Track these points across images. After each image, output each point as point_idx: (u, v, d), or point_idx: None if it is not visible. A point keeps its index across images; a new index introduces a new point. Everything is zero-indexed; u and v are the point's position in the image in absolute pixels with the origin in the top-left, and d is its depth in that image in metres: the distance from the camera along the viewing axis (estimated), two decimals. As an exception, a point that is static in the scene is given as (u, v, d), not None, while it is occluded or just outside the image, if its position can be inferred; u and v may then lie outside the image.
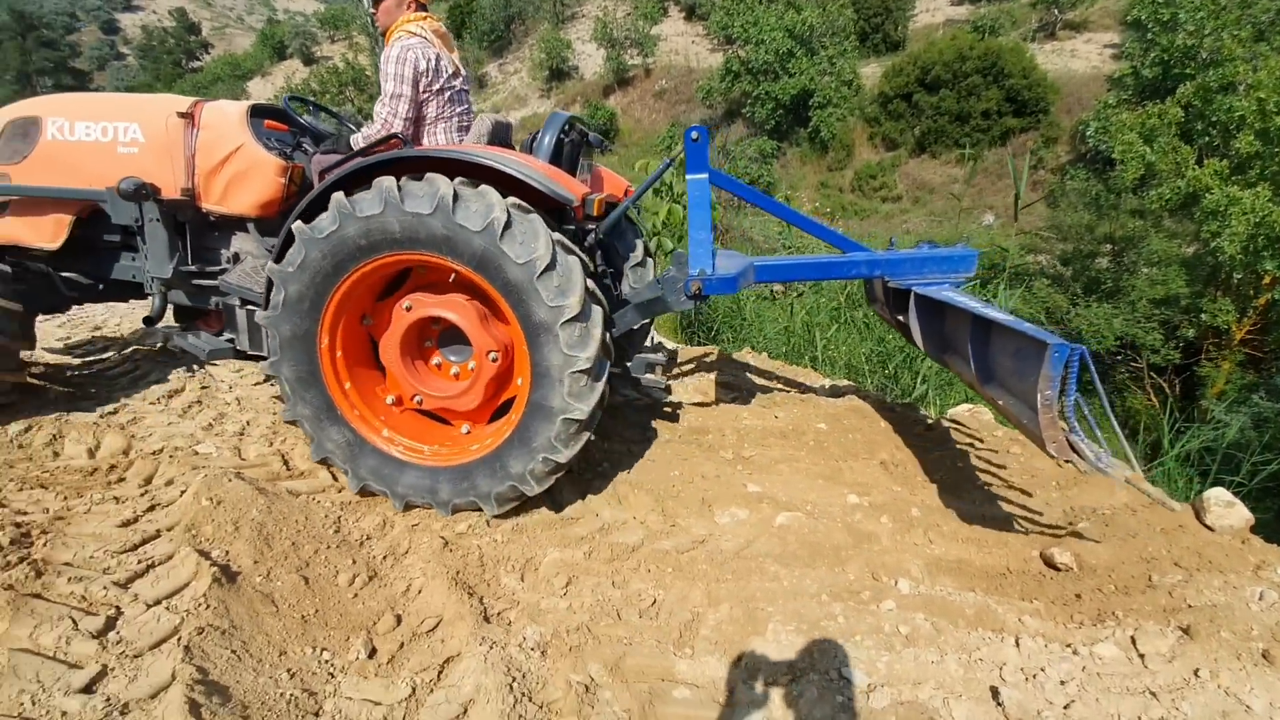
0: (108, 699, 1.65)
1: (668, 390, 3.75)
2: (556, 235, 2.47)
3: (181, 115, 3.02)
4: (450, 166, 2.48)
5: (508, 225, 2.35)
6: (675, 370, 4.57)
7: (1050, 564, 2.40)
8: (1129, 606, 2.14)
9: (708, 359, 4.86)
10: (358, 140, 2.99)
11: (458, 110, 3.12)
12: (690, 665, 1.98)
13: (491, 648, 1.98)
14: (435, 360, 2.80)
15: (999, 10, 33.27)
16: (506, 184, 2.48)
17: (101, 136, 3.09)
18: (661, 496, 2.84)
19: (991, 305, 2.78)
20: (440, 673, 1.96)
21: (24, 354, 3.32)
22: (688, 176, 3.08)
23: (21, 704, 1.61)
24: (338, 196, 2.43)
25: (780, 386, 4.37)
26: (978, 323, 2.59)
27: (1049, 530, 2.65)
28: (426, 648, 2.05)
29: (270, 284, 2.58)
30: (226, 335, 3.16)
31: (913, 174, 29.01)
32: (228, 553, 2.15)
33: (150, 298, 3.25)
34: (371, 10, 3.14)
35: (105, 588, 1.93)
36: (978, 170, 23.36)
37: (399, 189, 2.37)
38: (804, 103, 30.41)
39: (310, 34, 55.01)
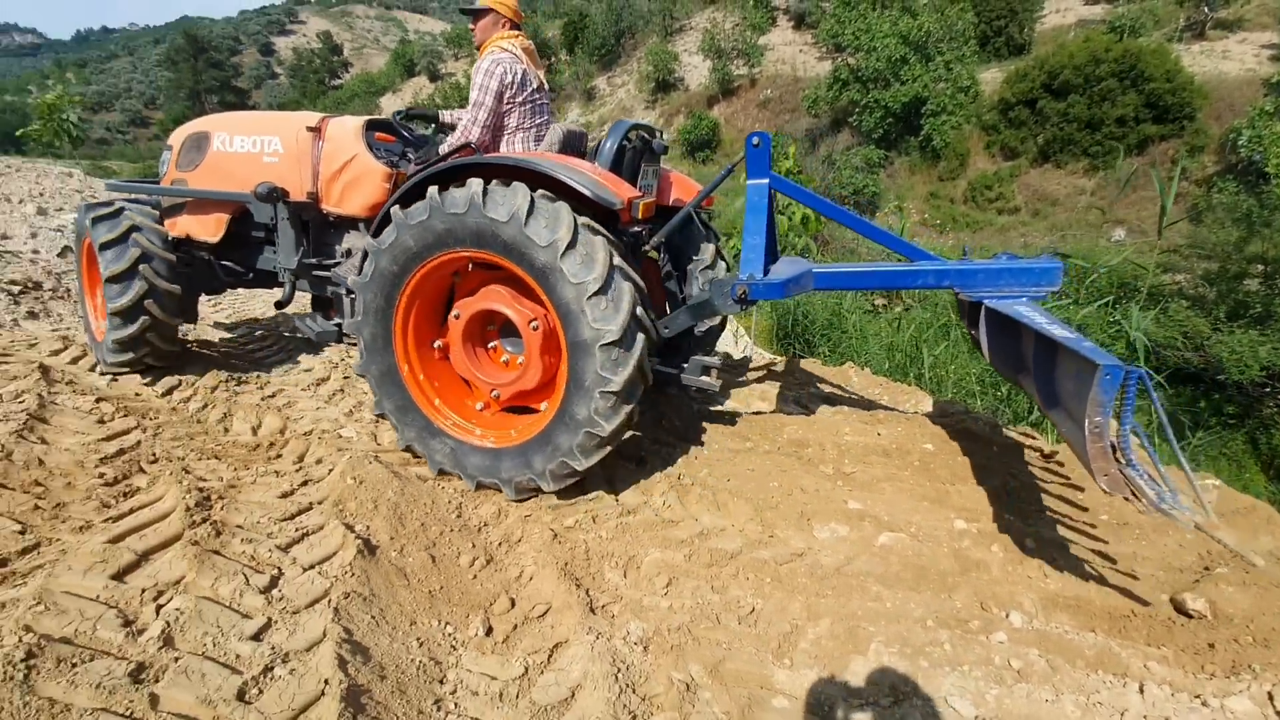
0: (272, 647, 1.88)
1: (718, 393, 3.78)
2: (583, 219, 2.62)
3: (310, 129, 3.48)
4: (512, 170, 2.70)
5: (531, 212, 2.56)
6: (769, 379, 4.57)
7: (1181, 609, 2.24)
8: (1269, 660, 1.97)
9: (806, 371, 4.82)
10: (444, 146, 3.28)
11: (537, 121, 3.36)
12: (789, 676, 2.00)
13: (598, 638, 2.09)
14: (504, 358, 3.05)
15: (1140, 9, 30.60)
16: (558, 188, 2.67)
17: (252, 148, 3.62)
18: (760, 506, 2.87)
19: (1058, 322, 2.46)
20: (550, 656, 2.09)
21: (184, 329, 3.92)
22: (747, 182, 3.09)
23: (205, 644, 1.87)
24: (433, 190, 2.67)
25: (884, 403, 4.27)
26: (1040, 340, 2.38)
27: (1181, 573, 2.46)
28: (537, 631, 2.19)
29: (365, 256, 2.88)
30: (335, 320, 3.56)
31: (1034, 184, 27.17)
32: (368, 527, 2.39)
33: (282, 285, 3.74)
34: (471, 26, 3.46)
35: (270, 550, 2.20)
36: (1131, 180, 21.45)
37: (483, 194, 2.59)
38: (916, 110, 29.22)
39: (437, 52, 58.79)
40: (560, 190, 2.67)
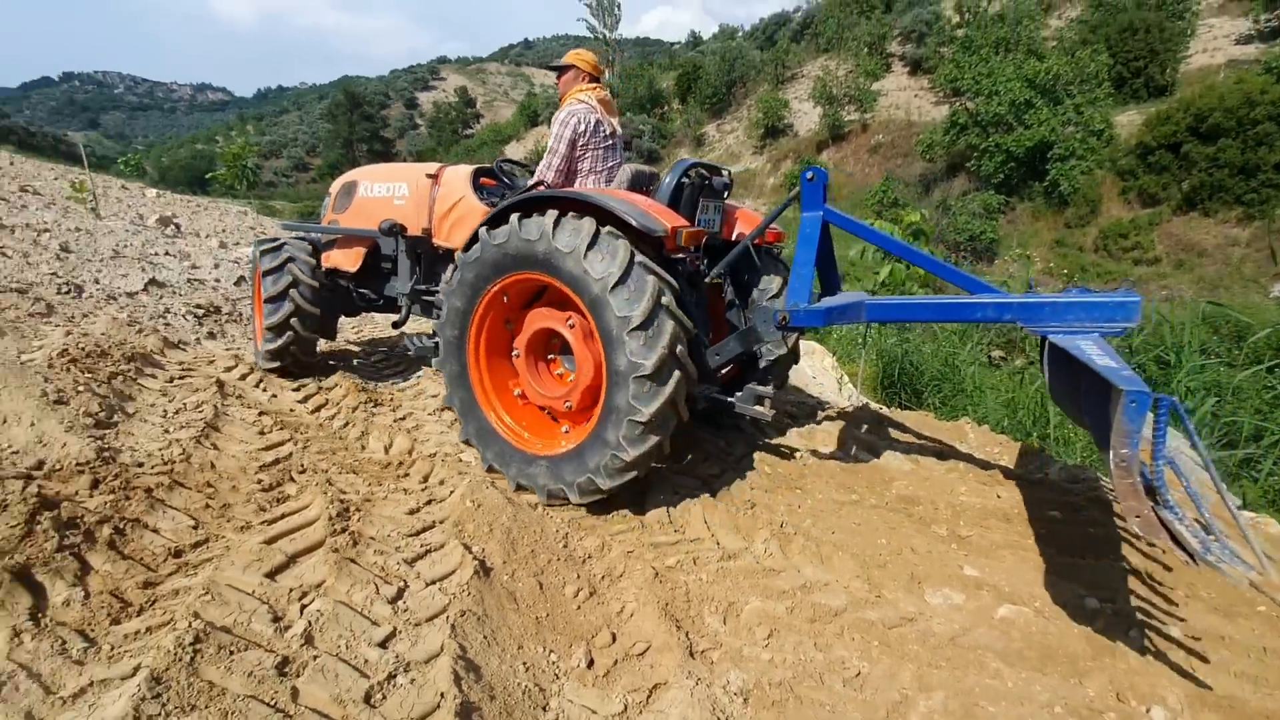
0: (396, 656, 2.02)
1: (770, 422, 3.85)
2: (640, 258, 2.81)
3: (429, 176, 4.11)
4: (575, 203, 2.99)
5: (591, 245, 2.81)
6: (876, 429, 4.41)
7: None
8: None
9: (917, 424, 4.62)
10: (526, 184, 3.71)
11: (609, 165, 3.70)
12: (898, 747, 1.91)
13: (697, 683, 2.09)
14: (558, 371, 3.35)
15: (1307, 46, 27.82)
16: (610, 218, 2.91)
17: (386, 193, 4.30)
18: (867, 563, 2.78)
19: (1111, 353, 2.26)
20: (649, 696, 2.10)
21: (323, 345, 4.88)
22: (802, 214, 3.21)
23: (339, 646, 2.04)
24: (515, 217, 2.98)
25: (1004, 464, 4.02)
26: (1088, 372, 2.13)
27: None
28: (637, 670, 2.21)
29: (455, 267, 3.23)
30: (435, 339, 3.87)
31: (1176, 234, 24.89)
32: (484, 549, 2.53)
33: (399, 309, 4.34)
34: (556, 81, 3.89)
35: (398, 563, 2.38)
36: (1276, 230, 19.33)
37: (553, 225, 2.86)
38: (1041, 155, 27.74)
39: (558, 104, 62.57)
40: (609, 220, 2.90)
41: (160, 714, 1.71)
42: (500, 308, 3.21)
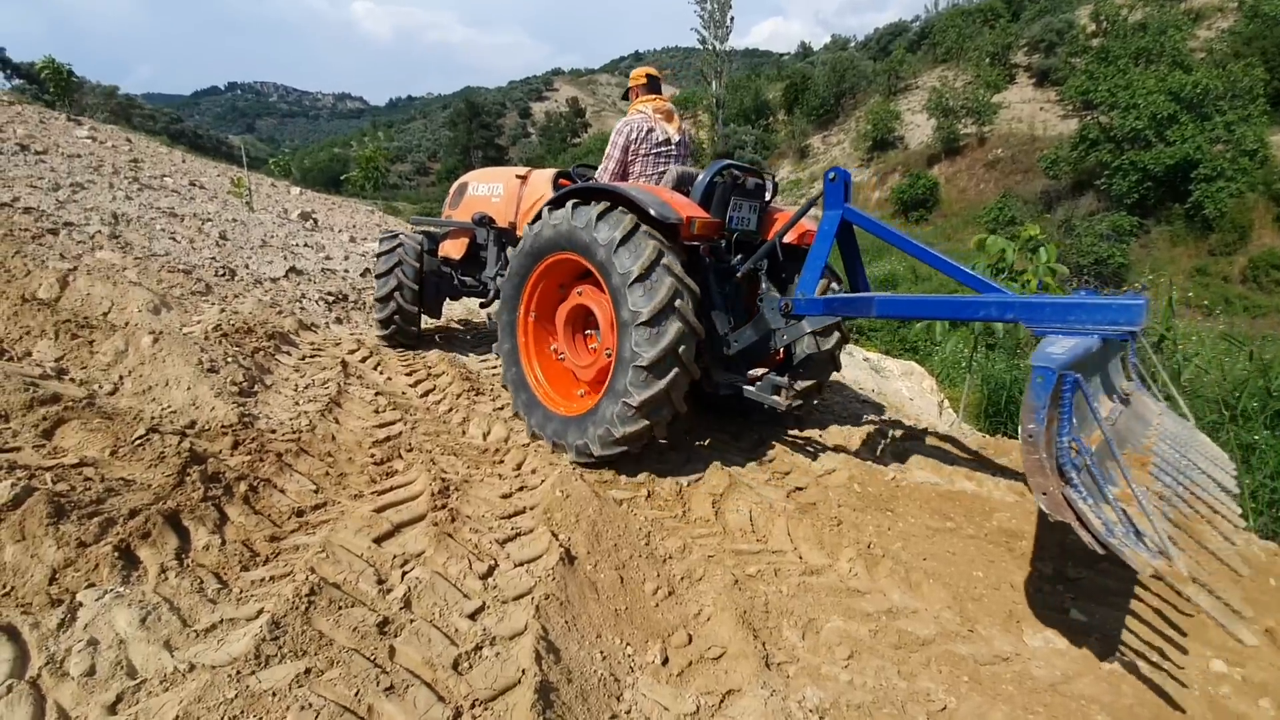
0: (484, 629, 2.14)
1: (788, 410, 3.91)
2: (644, 227, 3.16)
3: (519, 177, 4.82)
4: (609, 194, 3.33)
5: (624, 241, 3.13)
6: (978, 457, 4.18)
7: None
8: None
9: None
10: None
11: (659, 169, 4.04)
12: (984, 787, 1.81)
13: (772, 694, 2.07)
14: (593, 346, 3.69)
15: None
16: (632, 207, 3.23)
17: (487, 192, 5.05)
18: (960, 596, 2.64)
19: (1085, 350, 2.23)
20: (722, 701, 2.10)
21: (430, 322, 5.87)
22: (824, 212, 3.41)
23: (433, 613, 2.18)
24: (570, 204, 3.38)
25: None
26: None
27: None
28: (711, 673, 2.22)
29: (520, 239, 3.72)
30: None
31: (1349, 268, 21.95)
32: (570, 538, 2.62)
33: (489, 291, 5.03)
34: (626, 99, 4.34)
35: (490, 543, 2.51)
36: None
37: (597, 216, 3.22)
38: (1183, 175, 25.28)
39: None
40: (630, 207, 3.22)
41: (277, 655, 1.89)
42: (550, 279, 3.66)
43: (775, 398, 3.56)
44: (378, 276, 5.14)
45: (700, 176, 3.70)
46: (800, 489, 3.51)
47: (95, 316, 4.28)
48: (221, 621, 2.06)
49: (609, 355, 3.34)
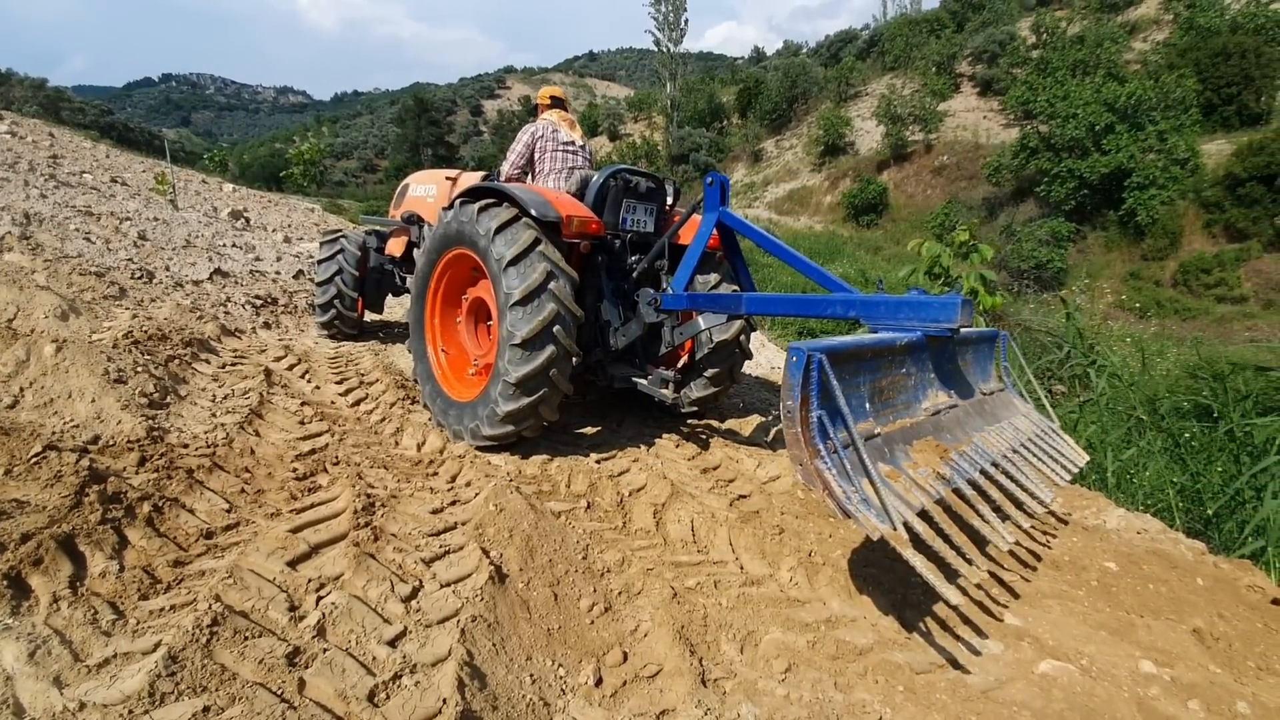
0: (404, 656, 2.01)
1: (675, 406, 4.19)
2: (523, 219, 3.36)
3: (449, 179, 5.06)
4: (500, 192, 3.50)
5: (499, 231, 3.34)
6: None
7: None
8: None
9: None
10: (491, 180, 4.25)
11: (568, 166, 4.25)
12: (916, 803, 1.79)
13: (706, 713, 2.01)
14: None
15: None
16: (520, 207, 3.39)
17: (423, 193, 5.27)
18: (900, 602, 2.64)
19: (893, 340, 2.62)
20: (656, 721, 2.04)
21: (370, 317, 6.06)
22: (704, 213, 3.64)
23: (349, 640, 2.04)
24: (458, 203, 3.59)
25: (1055, 508, 3.78)
26: None
27: None
28: (646, 693, 2.15)
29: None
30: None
31: (1267, 271, 23.39)
32: (502, 555, 2.51)
33: None
34: (532, 115, 4.53)
35: (415, 562, 2.38)
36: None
37: (477, 211, 3.45)
38: (1117, 182, 26.49)
39: (619, 115, 63.37)
40: (514, 205, 3.40)
41: (173, 692, 1.74)
42: (453, 274, 3.82)
43: (663, 391, 3.74)
44: (319, 262, 5.51)
45: (594, 179, 3.95)
46: (744, 497, 3.48)
47: (-5, 323, 3.96)
48: (116, 656, 1.90)
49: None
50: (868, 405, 2.43)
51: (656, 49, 52.43)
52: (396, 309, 7.07)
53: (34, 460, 2.66)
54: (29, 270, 5.02)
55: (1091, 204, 27.42)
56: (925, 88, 39.83)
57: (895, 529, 2.00)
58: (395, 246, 5.50)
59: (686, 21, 51.12)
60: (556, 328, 3.27)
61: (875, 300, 2.88)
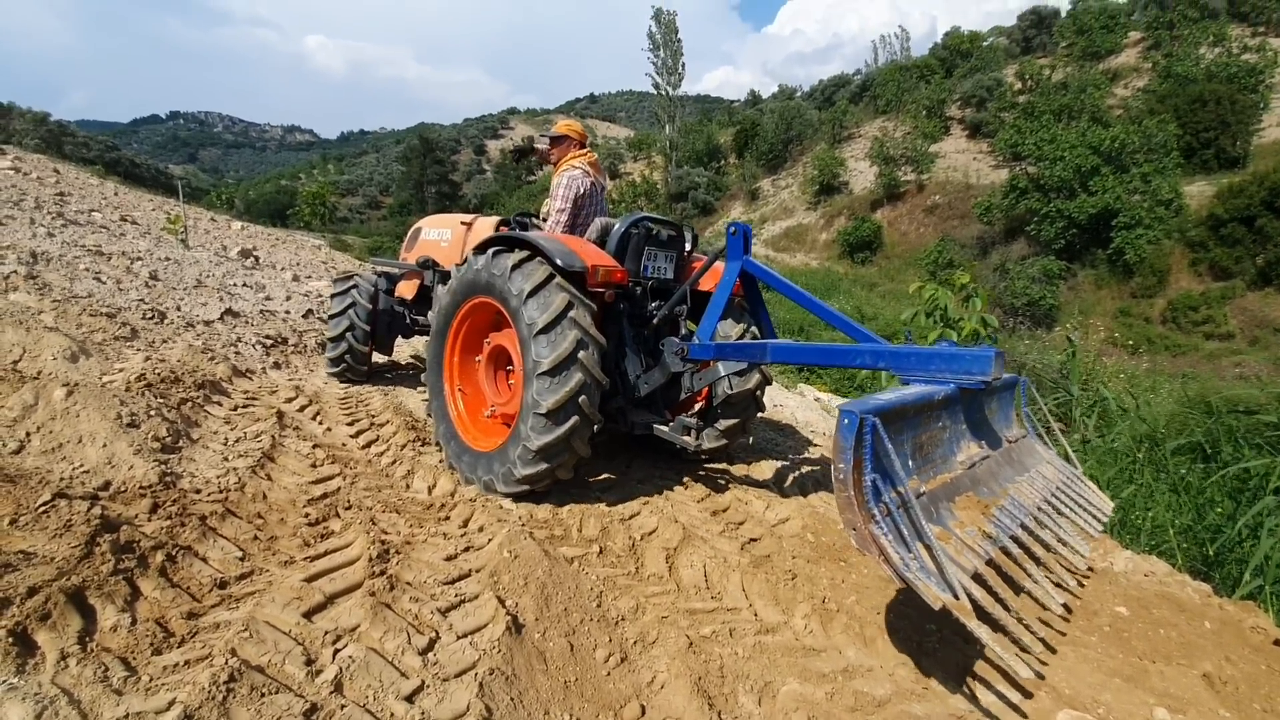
0: (422, 712, 1.99)
1: (698, 452, 4.14)
2: (556, 279, 3.31)
3: (464, 224, 4.98)
4: (523, 242, 3.49)
5: (534, 292, 3.31)
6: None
7: None
8: None
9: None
10: (534, 233, 4.05)
11: (591, 219, 4.19)
12: None
13: (728, 768, 1.99)
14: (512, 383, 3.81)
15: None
16: (544, 255, 3.37)
17: (436, 237, 5.22)
18: (916, 651, 2.62)
19: (923, 393, 2.55)
20: (676, 777, 2.01)
21: (380, 359, 6.14)
22: (726, 263, 3.65)
23: (367, 696, 2.02)
24: (490, 252, 3.54)
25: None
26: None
27: None
28: (665, 747, 2.12)
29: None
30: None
31: (1251, 309, 23.74)
32: (517, 604, 2.50)
33: None
34: (550, 149, 4.41)
35: (431, 612, 2.37)
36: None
37: (513, 265, 3.38)
38: (1105, 222, 27.05)
39: (619, 154, 64.68)
40: (542, 256, 3.37)
41: (190, 753, 1.72)
42: (475, 320, 3.81)
43: (685, 438, 3.71)
44: (331, 317, 5.46)
45: (615, 228, 3.93)
46: (754, 540, 3.48)
47: (3, 366, 3.97)
48: (128, 716, 1.86)
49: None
50: (910, 462, 2.39)
51: (656, 92, 53.81)
52: (405, 349, 7.08)
53: (42, 509, 2.65)
54: (36, 311, 5.05)
55: (1081, 243, 27.95)
56: (916, 130, 40.88)
57: (958, 598, 1.92)
58: (406, 289, 5.51)
59: (684, 66, 52.61)
60: (582, 398, 3.24)
61: (905, 351, 2.83)
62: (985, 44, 55.24)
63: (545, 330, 3.20)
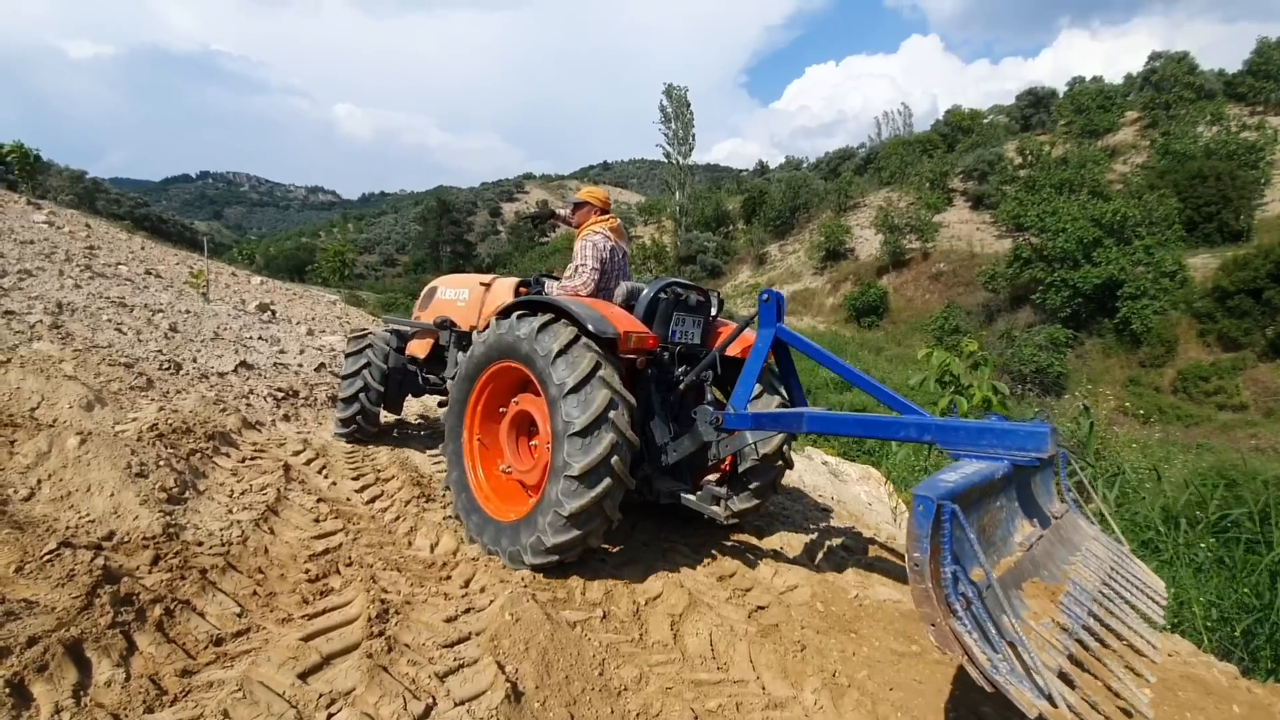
0: (417, 781, 1.92)
1: (727, 521, 3.88)
2: (583, 340, 3.24)
3: (483, 284, 4.93)
4: (552, 306, 3.44)
5: (562, 352, 3.22)
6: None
7: None
8: None
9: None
10: (556, 291, 4.17)
11: (616, 281, 4.21)
12: None
13: None
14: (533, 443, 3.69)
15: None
16: (574, 321, 3.31)
17: (453, 296, 5.16)
18: (929, 732, 2.51)
19: (983, 472, 2.33)
20: None
21: (388, 417, 5.94)
22: (759, 330, 3.58)
23: (360, 762, 1.96)
24: (514, 316, 3.49)
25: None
26: None
27: None
28: (668, 829, 2.02)
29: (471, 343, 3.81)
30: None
31: (1264, 380, 23.60)
32: (517, 670, 2.43)
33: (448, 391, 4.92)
34: (570, 214, 4.49)
35: (429, 677, 2.30)
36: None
37: (538, 328, 3.33)
38: (1110, 292, 27.28)
39: (630, 219, 66.47)
40: (570, 321, 3.31)
41: (175, 819, 1.65)
42: (497, 385, 3.72)
43: (714, 508, 3.61)
44: (344, 377, 5.32)
45: (644, 292, 3.91)
46: (762, 608, 3.39)
47: (21, 413, 4.03)
48: (114, 776, 1.81)
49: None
50: (980, 548, 2.19)
51: (667, 160, 55.67)
52: (415, 406, 7.08)
53: (47, 558, 2.64)
54: (57, 360, 5.15)
55: (1087, 312, 28.11)
56: (920, 201, 41.89)
57: (1055, 705, 1.73)
58: (419, 348, 5.40)
59: (694, 137, 54.58)
60: (614, 458, 3.12)
61: (954, 425, 2.71)
62: (986, 121, 57.26)
63: (575, 390, 3.12)
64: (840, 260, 42.34)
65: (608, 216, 4.33)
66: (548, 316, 3.37)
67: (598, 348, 3.25)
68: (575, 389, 3.12)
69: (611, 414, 3.12)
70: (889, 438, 3.00)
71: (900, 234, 38.84)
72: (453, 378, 4.73)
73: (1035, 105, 54.66)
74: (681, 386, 3.87)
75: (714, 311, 4.23)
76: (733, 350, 3.87)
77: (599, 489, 3.10)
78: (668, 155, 54.95)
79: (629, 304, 3.95)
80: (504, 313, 3.62)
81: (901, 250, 38.65)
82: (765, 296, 3.55)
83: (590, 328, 3.22)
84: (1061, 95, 53.80)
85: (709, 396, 3.96)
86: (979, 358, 5.51)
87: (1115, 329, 27.19)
